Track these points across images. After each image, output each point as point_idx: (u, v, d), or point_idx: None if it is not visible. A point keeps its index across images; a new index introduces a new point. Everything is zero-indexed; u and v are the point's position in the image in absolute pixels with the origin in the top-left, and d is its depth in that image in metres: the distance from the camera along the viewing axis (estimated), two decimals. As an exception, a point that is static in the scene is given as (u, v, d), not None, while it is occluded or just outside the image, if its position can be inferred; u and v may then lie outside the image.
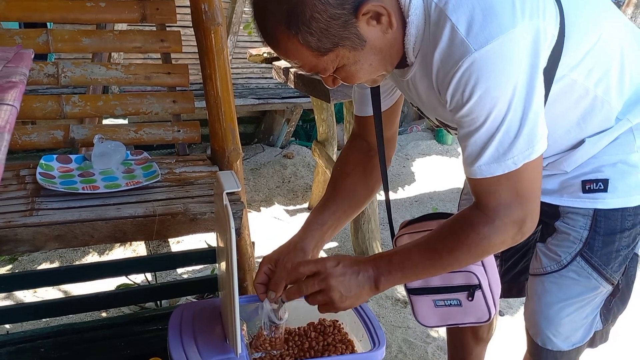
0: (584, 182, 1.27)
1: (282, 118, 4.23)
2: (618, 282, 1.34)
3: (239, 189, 1.14)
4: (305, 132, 4.64)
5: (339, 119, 3.79)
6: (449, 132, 1.31)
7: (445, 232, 1.13)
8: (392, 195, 3.82)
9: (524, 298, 1.50)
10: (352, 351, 1.32)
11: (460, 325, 1.34)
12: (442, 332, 2.44)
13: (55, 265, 2.72)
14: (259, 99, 3.88)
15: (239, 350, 1.12)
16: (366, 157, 1.36)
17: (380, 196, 3.70)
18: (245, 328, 1.30)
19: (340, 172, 1.36)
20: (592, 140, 1.24)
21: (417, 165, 4.37)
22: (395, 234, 1.37)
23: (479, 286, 1.24)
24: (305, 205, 3.62)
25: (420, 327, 2.46)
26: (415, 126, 4.90)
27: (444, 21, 0.97)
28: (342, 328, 1.38)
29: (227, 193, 1.13)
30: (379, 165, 1.34)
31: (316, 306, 1.16)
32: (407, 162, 4.35)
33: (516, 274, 1.56)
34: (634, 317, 2.34)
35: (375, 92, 1.26)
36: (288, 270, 1.17)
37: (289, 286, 1.17)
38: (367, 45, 1.00)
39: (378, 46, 1.02)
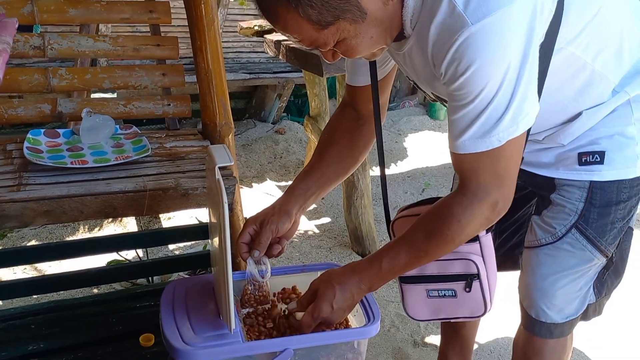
0: (580, 155, 1.27)
1: (274, 93, 4.19)
2: (612, 255, 1.34)
3: (232, 163, 1.12)
4: (297, 108, 4.60)
5: (332, 93, 3.74)
6: (444, 105, 1.28)
7: (429, 228, 1.14)
8: (385, 171, 3.80)
9: (518, 271, 1.50)
10: (347, 326, 1.31)
11: (452, 320, 1.33)
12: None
13: (45, 241, 2.69)
14: (250, 73, 3.83)
15: (233, 326, 1.11)
16: (354, 126, 1.34)
17: (373, 172, 3.69)
18: (238, 304, 1.28)
19: (327, 140, 1.35)
20: (589, 112, 1.23)
21: (409, 141, 4.35)
22: (392, 217, 1.36)
23: (477, 276, 1.23)
24: (297, 181, 3.60)
25: (412, 302, 2.46)
26: (407, 101, 4.87)
27: None
28: (336, 303, 1.37)
29: (220, 167, 1.11)
30: (366, 135, 1.33)
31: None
32: (399, 137, 4.33)
33: (510, 248, 1.55)
34: (628, 291, 2.36)
35: (372, 63, 1.24)
36: (272, 231, 1.21)
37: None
38: (368, 18, 0.98)
39: (379, 18, 1.00)
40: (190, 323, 1.18)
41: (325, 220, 3.13)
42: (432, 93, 1.22)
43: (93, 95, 2.72)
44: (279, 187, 3.52)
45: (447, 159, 3.98)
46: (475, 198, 1.08)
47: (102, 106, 1.69)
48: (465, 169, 1.08)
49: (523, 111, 1.02)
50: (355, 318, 1.32)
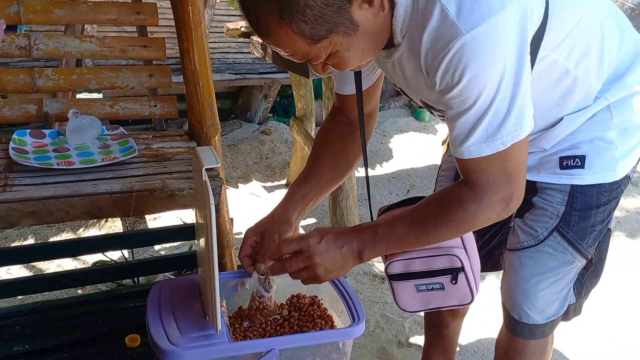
0: (561, 159, 1.30)
1: (260, 94, 4.19)
2: (592, 256, 1.37)
3: (219, 165, 1.13)
4: (283, 108, 4.60)
5: (317, 95, 3.75)
6: (432, 113, 1.31)
7: (433, 208, 1.13)
8: (370, 172, 3.82)
9: (500, 273, 1.53)
10: (332, 326, 1.32)
11: (442, 309, 1.35)
12: (419, 306, 2.47)
13: (30, 242, 2.67)
14: (236, 74, 3.82)
15: (219, 327, 1.12)
16: (347, 131, 1.36)
17: (359, 173, 3.70)
18: (225, 304, 1.29)
19: (321, 145, 1.37)
20: (570, 117, 1.26)
21: (394, 142, 4.38)
22: (374, 217, 1.38)
23: (462, 269, 1.25)
24: (283, 181, 3.61)
25: (397, 302, 2.49)
26: (393, 103, 4.90)
27: (433, 2, 0.97)
28: (322, 304, 1.39)
29: (206, 169, 1.11)
30: (358, 139, 1.35)
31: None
32: (384, 138, 4.36)
33: (491, 249, 1.58)
34: (606, 291, 2.40)
35: (357, 72, 1.26)
36: (274, 242, 1.19)
37: (272, 263, 1.17)
38: (360, 30, 0.99)
39: (370, 30, 1.00)
40: (177, 323, 1.19)
41: (311, 221, 3.14)
42: (420, 100, 1.24)
43: (78, 96, 2.70)
44: (265, 187, 3.52)
45: (432, 161, 4.03)
46: (485, 194, 1.07)
47: (89, 107, 1.69)
48: (473, 170, 1.08)
49: (526, 114, 1.03)
50: (340, 319, 1.34)
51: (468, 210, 1.09)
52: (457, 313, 1.80)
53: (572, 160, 1.29)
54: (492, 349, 2.25)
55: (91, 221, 2.89)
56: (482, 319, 2.37)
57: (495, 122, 1.02)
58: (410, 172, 3.86)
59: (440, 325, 1.82)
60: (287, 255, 1.16)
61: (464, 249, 1.27)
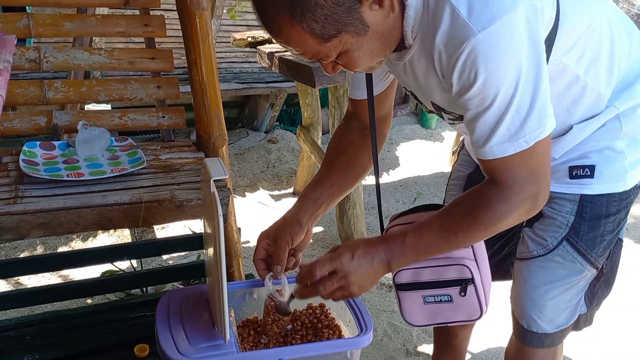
0: (570, 168, 1.29)
1: (266, 102, 4.21)
2: (602, 266, 1.36)
3: (227, 176, 1.13)
4: (290, 117, 4.62)
5: (324, 103, 3.77)
6: (442, 117, 1.30)
7: (460, 211, 1.12)
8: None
9: (510, 282, 1.52)
10: (340, 336, 1.33)
11: (450, 324, 1.34)
12: (427, 315, 2.46)
13: (39, 252, 2.69)
14: (242, 83, 3.84)
15: (228, 337, 1.13)
16: (360, 135, 1.36)
17: (365, 181, 3.71)
18: (233, 314, 1.30)
19: (335, 149, 1.37)
20: (579, 126, 1.25)
21: (401, 150, 4.38)
22: (385, 225, 1.38)
23: (472, 280, 1.24)
24: (290, 190, 3.61)
25: (405, 311, 2.48)
26: (399, 110, 4.91)
27: (444, 3, 0.97)
28: (329, 313, 1.39)
29: (214, 180, 1.12)
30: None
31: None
32: (391, 146, 4.36)
33: (501, 258, 1.57)
34: (618, 301, 2.39)
35: (369, 77, 1.26)
36: (288, 243, 1.19)
37: (299, 286, 1.16)
38: (370, 31, 0.99)
39: (380, 31, 1.01)
40: (185, 333, 1.20)
41: (318, 229, 3.15)
42: (431, 103, 1.24)
43: (87, 107, 2.73)
44: (272, 196, 3.53)
45: (439, 168, 4.03)
46: (513, 192, 1.07)
47: (98, 118, 1.71)
48: (498, 170, 1.07)
49: (548, 112, 1.03)
50: (348, 328, 1.34)
51: (497, 211, 1.08)
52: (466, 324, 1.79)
53: (581, 170, 1.28)
54: (500, 357, 2.24)
55: (100, 231, 2.91)
56: (490, 327, 2.36)
57: (517, 121, 1.01)
58: (417, 180, 3.85)
59: (449, 334, 1.81)
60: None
61: (475, 260, 1.26)
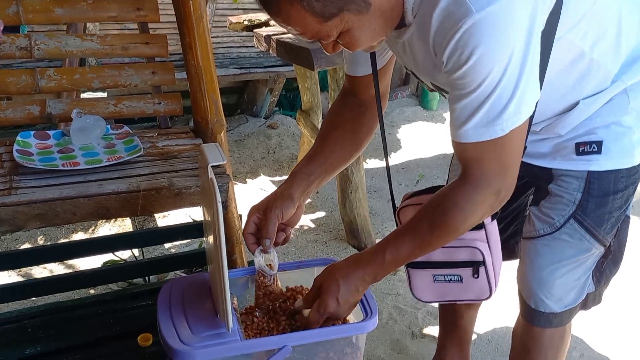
0: (577, 145, 1.27)
1: (265, 88, 4.16)
2: (610, 244, 1.34)
3: (224, 162, 1.10)
4: (289, 102, 4.57)
5: (323, 87, 3.73)
6: (443, 96, 1.28)
7: (429, 217, 1.12)
8: (378, 163, 3.80)
9: (515, 261, 1.50)
10: (344, 321, 1.30)
11: (458, 302, 1.33)
12: (432, 297, 2.45)
13: (40, 243, 2.67)
14: (240, 68, 3.80)
15: (230, 325, 1.10)
16: (356, 113, 1.33)
17: (367, 165, 3.68)
18: (235, 302, 1.28)
19: (330, 125, 1.34)
20: (586, 102, 1.23)
21: (402, 132, 4.34)
22: (397, 206, 1.35)
23: (483, 263, 1.23)
24: (292, 175, 3.59)
25: (410, 294, 2.45)
26: (399, 92, 4.86)
27: None
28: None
29: (212, 166, 1.09)
30: (368, 121, 1.32)
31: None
32: (392, 129, 4.32)
33: (506, 238, 1.55)
34: (626, 280, 2.36)
35: (372, 52, 1.23)
36: (278, 217, 1.19)
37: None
38: (372, 9, 0.97)
39: (382, 9, 0.99)
40: (188, 322, 1.17)
41: (320, 214, 3.12)
42: (430, 82, 1.21)
43: (82, 96, 2.69)
44: (273, 182, 3.50)
45: (441, 150, 3.99)
46: (479, 186, 1.07)
47: (92, 106, 1.68)
48: (468, 158, 1.07)
49: (526, 100, 1.01)
50: (352, 313, 1.32)
51: (464, 209, 1.08)
52: (472, 304, 1.78)
53: (588, 146, 1.26)
54: (506, 337, 2.23)
55: (101, 221, 2.89)
56: (496, 308, 2.34)
57: (497, 107, 1.00)
58: (419, 163, 3.82)
59: (455, 315, 1.80)
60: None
61: (487, 242, 1.24)
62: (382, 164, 3.80)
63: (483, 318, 2.24)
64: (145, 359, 1.54)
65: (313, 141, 2.98)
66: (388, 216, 3.11)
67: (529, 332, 1.46)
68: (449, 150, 4.07)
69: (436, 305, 2.38)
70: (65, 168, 1.44)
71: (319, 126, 3.09)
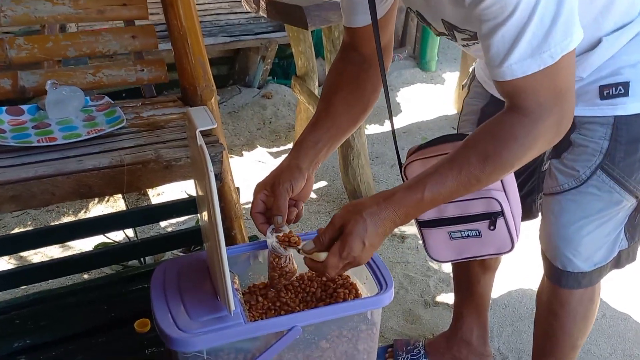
0: (601, 88, 1.15)
1: (257, 56, 3.99)
2: None
3: (214, 126, 0.98)
4: (283, 70, 4.41)
5: (318, 52, 3.55)
6: (454, 38, 1.14)
7: (480, 151, 0.97)
8: (379, 128, 3.67)
9: (530, 222, 1.39)
10: (357, 295, 1.19)
11: (478, 258, 1.22)
12: (443, 264, 2.35)
13: (29, 228, 2.55)
14: (230, 36, 3.63)
15: (232, 307, 0.99)
16: (359, 70, 1.20)
17: (367, 130, 3.55)
18: (237, 281, 1.16)
19: (332, 86, 1.20)
20: (609, 39, 1.11)
21: (401, 96, 4.20)
22: (403, 162, 1.23)
23: (501, 213, 1.11)
24: (289, 145, 3.46)
25: (420, 261, 2.37)
26: (396, 55, 4.69)
27: None
28: (343, 270, 1.25)
29: (202, 132, 0.97)
30: (373, 78, 1.19)
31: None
32: (391, 92, 4.16)
33: (523, 196, 1.43)
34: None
35: (371, 0, 1.10)
36: (287, 191, 1.07)
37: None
38: None
39: None
40: (185, 307, 1.06)
41: (322, 184, 3.00)
42: (442, 20, 1.07)
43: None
44: (271, 153, 3.38)
45: (443, 112, 3.85)
46: (539, 118, 0.93)
47: (69, 77, 1.54)
48: (519, 92, 0.94)
49: (575, 20, 0.88)
50: (365, 286, 1.21)
51: (522, 143, 0.95)
52: (488, 266, 1.67)
53: (613, 89, 1.15)
54: (523, 301, 2.14)
55: (92, 202, 2.77)
56: (510, 270, 2.24)
57: (540, 32, 0.87)
58: (421, 126, 3.69)
59: (470, 281, 1.70)
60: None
61: (504, 190, 1.12)
62: (383, 129, 3.67)
63: (497, 282, 2.14)
64: (144, 347, 1.45)
65: (310, 108, 2.88)
66: (392, 182, 3.00)
67: (555, 294, 1.35)
68: (451, 111, 3.95)
69: (448, 271, 2.29)
70: (41, 144, 1.31)
71: (316, 92, 2.95)
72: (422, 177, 1.00)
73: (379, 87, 1.22)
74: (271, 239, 1.09)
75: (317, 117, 1.17)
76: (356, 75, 1.19)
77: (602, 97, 1.15)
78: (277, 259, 1.11)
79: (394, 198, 0.99)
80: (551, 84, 0.92)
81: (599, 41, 1.11)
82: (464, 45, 1.15)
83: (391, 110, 1.22)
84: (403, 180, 1.23)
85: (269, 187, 1.10)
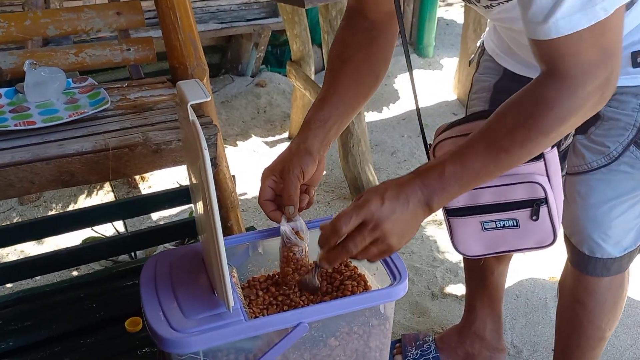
0: (634, 54, 1.05)
1: (250, 43, 3.87)
2: None
3: (208, 99, 0.86)
4: (276, 58, 4.29)
5: (313, 40, 3.43)
6: (475, 4, 1.03)
7: (511, 121, 0.87)
8: (377, 116, 3.56)
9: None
10: (366, 287, 1.09)
11: (512, 252, 1.10)
12: (450, 253, 2.25)
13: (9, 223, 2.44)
14: (221, 23, 3.51)
15: (231, 303, 0.88)
16: (368, 37, 1.08)
17: (367, 117, 3.44)
18: (235, 274, 1.06)
19: (339, 58, 1.09)
20: None
21: (399, 82, 4.09)
22: (432, 142, 1.12)
23: (545, 200, 0.99)
24: (285, 134, 3.35)
25: (425, 251, 2.27)
26: (393, 41, 4.58)
27: None
28: (350, 261, 1.14)
29: (194, 105, 0.86)
30: (383, 46, 1.08)
31: None
32: (388, 79, 4.06)
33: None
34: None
35: None
36: (298, 177, 0.96)
37: (323, 251, 0.92)
38: None
39: None
40: (179, 304, 0.95)
41: (320, 173, 2.90)
42: None
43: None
44: (266, 142, 3.27)
45: (442, 97, 3.75)
46: (579, 85, 0.82)
47: (49, 57, 1.42)
48: (560, 55, 0.82)
49: None
50: (374, 277, 1.10)
51: (560, 112, 0.83)
52: (503, 256, 1.57)
53: None
54: (536, 290, 2.04)
55: (81, 196, 2.65)
56: (521, 258, 2.15)
57: None
58: (422, 112, 3.57)
59: (484, 272, 1.59)
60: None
61: (547, 175, 1.01)
62: (381, 116, 3.56)
63: (516, 273, 2.05)
64: (135, 347, 1.35)
65: (307, 94, 2.76)
66: (393, 170, 2.89)
67: (582, 282, 1.25)
68: (450, 97, 3.84)
69: (455, 261, 2.19)
70: (19, 128, 1.20)
71: (313, 77, 2.84)
72: (446, 153, 0.89)
73: (389, 57, 1.11)
74: (285, 228, 0.99)
75: (325, 93, 1.06)
76: (365, 44, 1.08)
77: (635, 64, 1.05)
78: (291, 252, 1.01)
79: (415, 173, 0.89)
80: (597, 42, 0.81)
81: (632, 2, 1.01)
82: (486, 7, 1.04)
83: (413, 79, 1.11)
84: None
85: (278, 173, 1.00)
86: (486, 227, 1.03)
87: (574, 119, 0.86)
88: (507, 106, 0.88)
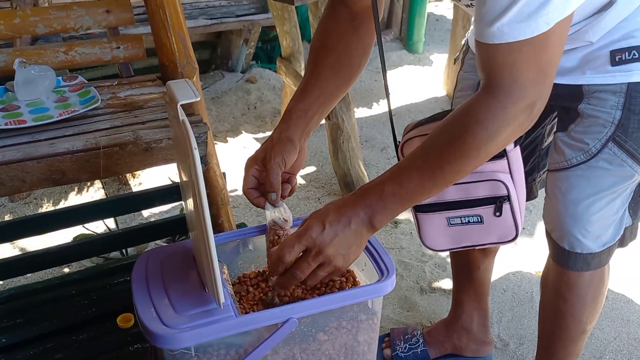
0: (613, 53, 1.07)
1: (240, 39, 3.87)
2: None
3: (198, 99, 0.88)
4: (266, 54, 4.29)
5: (303, 36, 3.45)
6: (457, 2, 1.06)
7: (444, 139, 0.90)
8: (367, 112, 3.58)
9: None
10: (355, 283, 1.11)
11: (477, 247, 1.14)
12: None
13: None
14: (211, 19, 3.51)
15: (222, 299, 0.90)
16: (349, 27, 1.10)
17: (357, 113, 3.45)
18: (226, 271, 1.08)
19: (321, 47, 1.11)
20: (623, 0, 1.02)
21: (389, 78, 4.11)
22: (399, 139, 1.15)
23: (508, 198, 1.03)
24: (276, 131, 3.36)
25: (414, 247, 2.29)
26: (383, 37, 4.60)
27: None
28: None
29: (184, 105, 0.87)
30: (364, 36, 1.10)
31: None
32: (378, 75, 4.08)
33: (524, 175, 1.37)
34: None
35: None
36: (279, 165, 0.99)
37: (276, 277, 0.96)
38: None
39: None
40: (170, 300, 0.97)
41: (310, 169, 2.91)
42: None
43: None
44: (257, 139, 3.28)
45: (432, 93, 3.77)
46: (509, 100, 0.85)
47: (39, 55, 1.43)
48: (498, 64, 0.85)
49: None
50: (363, 273, 1.13)
51: (489, 128, 0.86)
52: (488, 251, 1.60)
53: (626, 54, 1.07)
54: (522, 284, 2.07)
55: (72, 193, 2.65)
56: (507, 253, 2.18)
57: None
58: (411, 108, 3.61)
59: (470, 266, 1.62)
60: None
61: (510, 174, 1.04)
62: (371, 112, 3.58)
63: (494, 265, 2.07)
64: (127, 343, 1.37)
65: (296, 90, 2.77)
66: (382, 166, 2.92)
67: (563, 277, 1.28)
68: (440, 93, 3.87)
69: (444, 256, 2.22)
70: (9, 127, 1.21)
71: (303, 73, 2.85)
72: (386, 173, 0.93)
73: (370, 48, 1.13)
74: (270, 211, 1.02)
75: (306, 83, 1.09)
76: (346, 34, 1.10)
77: (614, 63, 1.07)
78: (276, 236, 1.03)
79: (355, 195, 0.93)
80: (537, 58, 0.83)
81: (611, 1, 1.03)
82: (467, 5, 1.06)
83: (386, 80, 1.13)
84: (399, 160, 1.15)
85: (260, 162, 1.03)
86: (452, 222, 1.07)
87: (503, 136, 0.88)
88: (443, 123, 0.91)
